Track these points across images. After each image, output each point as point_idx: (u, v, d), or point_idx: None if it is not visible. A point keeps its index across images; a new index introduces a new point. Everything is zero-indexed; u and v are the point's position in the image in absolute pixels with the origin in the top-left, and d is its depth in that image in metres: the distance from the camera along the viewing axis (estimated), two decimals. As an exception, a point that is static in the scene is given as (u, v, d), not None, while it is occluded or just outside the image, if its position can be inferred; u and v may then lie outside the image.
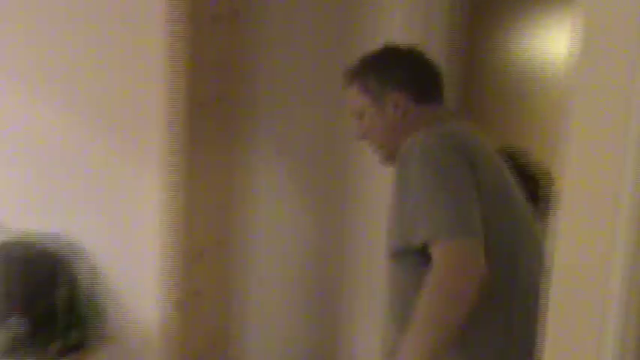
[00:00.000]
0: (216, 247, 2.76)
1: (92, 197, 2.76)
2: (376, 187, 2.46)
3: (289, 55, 2.70)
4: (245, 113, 2.75)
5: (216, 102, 2.54)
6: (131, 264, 2.71)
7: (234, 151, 2.77)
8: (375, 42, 2.39)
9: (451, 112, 1.68)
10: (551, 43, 2.96)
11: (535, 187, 1.96)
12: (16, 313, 2.40)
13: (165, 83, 2.41)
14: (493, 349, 1.44)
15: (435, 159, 1.40)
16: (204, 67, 2.43)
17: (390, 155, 1.59)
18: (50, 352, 2.49)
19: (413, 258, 1.41)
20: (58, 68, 2.75)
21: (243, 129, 2.76)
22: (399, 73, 1.60)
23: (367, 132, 1.64)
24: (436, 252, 1.33)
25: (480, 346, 1.44)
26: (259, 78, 2.71)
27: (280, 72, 2.72)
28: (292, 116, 2.77)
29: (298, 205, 2.82)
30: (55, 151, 2.83)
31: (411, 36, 2.25)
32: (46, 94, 2.80)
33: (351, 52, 2.54)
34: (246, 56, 2.70)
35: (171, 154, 2.43)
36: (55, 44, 2.74)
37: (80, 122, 2.76)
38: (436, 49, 2.27)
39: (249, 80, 2.72)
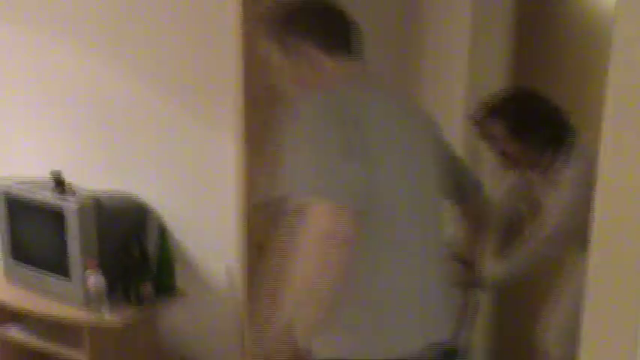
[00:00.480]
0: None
1: (163, 158, 2.89)
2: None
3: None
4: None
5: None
6: (200, 222, 2.86)
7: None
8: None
9: (363, 69, 1.58)
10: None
11: (552, 133, 2.05)
12: (95, 266, 2.57)
13: (236, 44, 2.47)
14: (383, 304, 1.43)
15: (312, 123, 1.39)
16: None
17: None
18: (127, 303, 2.67)
19: None
20: (131, 33, 2.85)
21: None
22: (311, 26, 1.53)
23: (288, 85, 1.60)
24: (308, 214, 1.32)
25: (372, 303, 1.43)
26: None
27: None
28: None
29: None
30: (127, 113, 2.95)
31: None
32: (119, 59, 2.91)
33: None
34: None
35: (241, 116, 2.49)
36: (128, 13, 2.84)
37: (152, 86, 2.86)
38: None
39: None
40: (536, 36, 2.64)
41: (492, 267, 1.95)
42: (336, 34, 1.54)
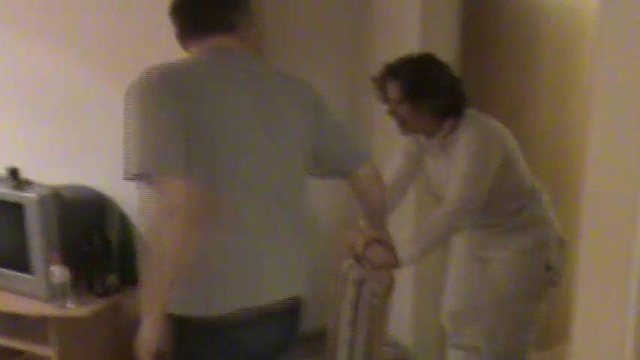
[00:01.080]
0: None
1: (118, 148, 2.86)
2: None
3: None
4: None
5: None
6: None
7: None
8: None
9: (219, 44, 1.62)
10: None
11: (444, 100, 2.05)
12: (58, 259, 2.55)
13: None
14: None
15: (141, 100, 1.45)
16: None
17: None
18: (92, 295, 2.66)
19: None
20: (83, 20, 2.82)
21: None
22: (178, 14, 1.63)
23: None
24: (154, 189, 1.43)
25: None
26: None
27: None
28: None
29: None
30: (80, 105, 2.92)
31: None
32: (71, 50, 2.87)
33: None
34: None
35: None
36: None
37: (104, 75, 2.84)
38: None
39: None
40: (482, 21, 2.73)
41: (404, 245, 1.96)
42: (199, 14, 1.60)
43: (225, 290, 1.54)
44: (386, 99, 2.10)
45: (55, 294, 2.58)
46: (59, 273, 2.56)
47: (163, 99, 1.44)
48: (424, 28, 2.59)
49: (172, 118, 1.43)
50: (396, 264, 1.92)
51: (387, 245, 1.93)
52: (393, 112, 2.09)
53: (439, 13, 2.61)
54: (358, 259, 2.01)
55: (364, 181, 1.79)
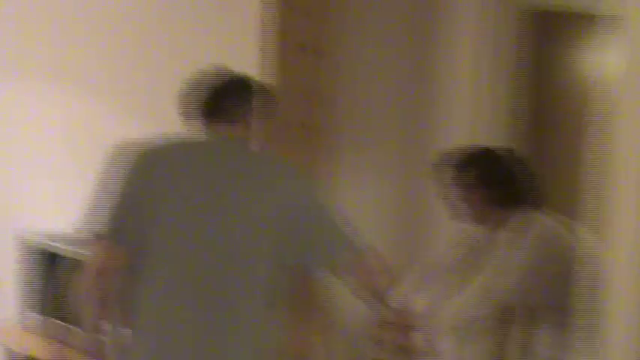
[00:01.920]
0: None
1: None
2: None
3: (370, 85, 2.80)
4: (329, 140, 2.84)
5: (300, 127, 2.65)
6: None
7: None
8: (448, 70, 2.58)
9: (219, 130, 1.74)
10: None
11: (517, 192, 2.07)
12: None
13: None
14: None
15: (115, 174, 1.63)
16: (291, 93, 2.54)
17: None
18: None
19: None
20: (145, 84, 2.92)
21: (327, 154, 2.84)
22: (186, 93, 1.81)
23: None
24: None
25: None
26: (343, 106, 2.80)
27: (362, 100, 2.83)
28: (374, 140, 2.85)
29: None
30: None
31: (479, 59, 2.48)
32: (136, 112, 2.98)
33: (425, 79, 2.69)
34: (331, 85, 2.78)
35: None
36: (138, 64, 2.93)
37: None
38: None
39: (333, 108, 2.80)
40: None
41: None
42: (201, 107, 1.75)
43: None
44: (454, 185, 2.11)
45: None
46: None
47: (125, 175, 1.62)
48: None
49: (126, 193, 1.61)
50: (410, 349, 1.81)
51: (405, 328, 1.83)
52: (463, 199, 2.09)
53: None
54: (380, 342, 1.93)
55: (362, 273, 1.66)
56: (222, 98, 1.73)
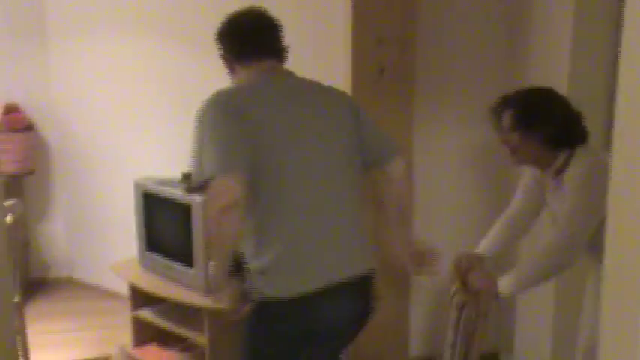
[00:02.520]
0: None
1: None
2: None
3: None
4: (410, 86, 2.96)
5: (391, 71, 2.77)
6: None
7: (409, 116, 2.97)
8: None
9: (265, 67, 1.90)
10: None
11: (557, 133, 2.02)
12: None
13: (344, 54, 2.72)
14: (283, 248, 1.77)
15: (207, 118, 1.75)
16: (378, 41, 2.69)
17: None
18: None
19: None
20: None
21: (415, 98, 2.95)
22: (226, 39, 1.94)
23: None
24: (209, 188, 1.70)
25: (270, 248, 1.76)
26: (426, 53, 2.89)
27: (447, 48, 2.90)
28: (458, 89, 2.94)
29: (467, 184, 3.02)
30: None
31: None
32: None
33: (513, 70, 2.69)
34: (412, 30, 2.89)
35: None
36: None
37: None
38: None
39: (414, 53, 2.91)
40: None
41: (504, 277, 1.96)
42: (246, 45, 1.91)
43: (300, 273, 1.77)
44: (499, 128, 2.13)
45: (211, 288, 2.89)
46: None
47: (223, 118, 1.75)
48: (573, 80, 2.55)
49: (231, 132, 1.74)
50: (492, 291, 1.95)
51: (486, 272, 1.97)
52: (504, 142, 2.10)
53: (589, 64, 2.55)
54: (463, 283, 2.07)
55: (395, 172, 1.98)
56: (267, 36, 1.92)
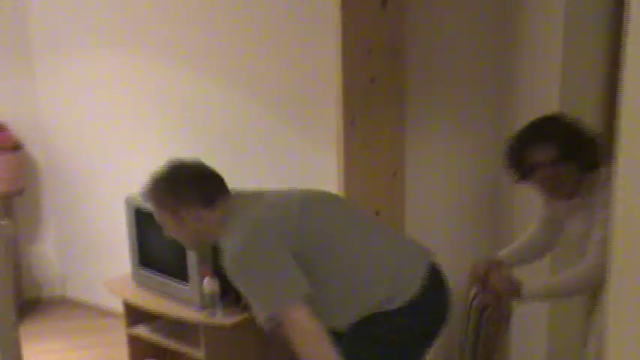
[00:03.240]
0: (390, 208, 3.02)
1: (267, 174, 3.16)
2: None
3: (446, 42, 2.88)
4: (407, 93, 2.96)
5: (382, 81, 2.77)
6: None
7: (401, 125, 2.99)
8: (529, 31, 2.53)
9: (239, 195, 1.97)
10: None
11: (592, 159, 2.00)
12: (209, 273, 2.85)
13: (334, 65, 2.70)
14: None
15: (253, 254, 1.76)
16: (368, 50, 2.68)
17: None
18: (236, 307, 2.93)
19: None
20: (240, 56, 3.18)
21: (407, 106, 2.97)
22: (190, 194, 1.90)
23: (175, 235, 1.97)
24: (284, 322, 1.74)
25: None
26: (416, 62, 2.90)
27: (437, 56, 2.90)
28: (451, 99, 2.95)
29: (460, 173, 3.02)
30: (234, 133, 3.26)
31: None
32: (231, 83, 3.23)
33: (503, 46, 2.71)
34: (405, 41, 2.90)
35: (341, 131, 2.69)
36: (234, 36, 3.17)
37: (260, 107, 3.15)
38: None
39: (407, 63, 2.92)
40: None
41: (534, 281, 1.98)
42: (212, 191, 1.93)
43: (395, 289, 1.86)
44: (528, 168, 2.05)
45: (206, 303, 2.88)
46: (210, 285, 2.86)
47: (270, 245, 1.78)
48: (564, 83, 2.50)
49: (281, 257, 1.77)
50: (514, 293, 1.95)
51: (509, 275, 1.97)
52: (551, 176, 2.02)
53: (581, 65, 2.51)
54: (483, 286, 2.08)
55: None
56: (219, 182, 1.99)
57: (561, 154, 1.98)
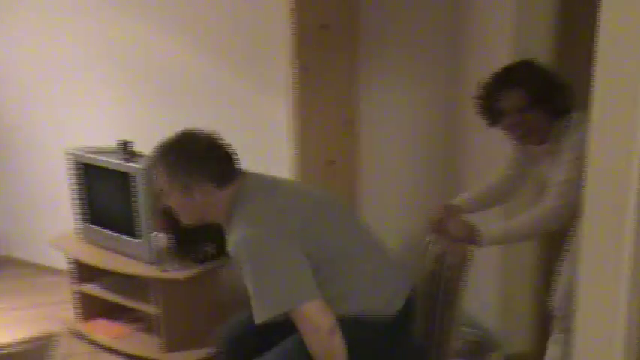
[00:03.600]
0: (345, 158, 2.99)
1: (221, 124, 3.03)
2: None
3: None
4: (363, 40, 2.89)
5: (334, 27, 2.69)
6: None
7: (354, 74, 2.93)
8: None
9: (253, 178, 1.89)
10: None
11: (562, 103, 2.01)
12: (161, 227, 2.77)
13: (285, 12, 2.61)
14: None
15: (269, 247, 1.70)
16: None
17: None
18: (191, 260, 2.87)
19: None
20: (194, 8, 3.05)
21: (360, 55, 2.90)
22: (205, 171, 1.81)
23: (177, 208, 1.90)
24: (294, 318, 1.69)
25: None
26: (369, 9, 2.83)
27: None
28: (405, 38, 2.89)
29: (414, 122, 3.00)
30: (187, 84, 3.13)
31: None
32: (182, 33, 3.09)
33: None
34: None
35: (293, 81, 2.62)
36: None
37: (213, 58, 3.03)
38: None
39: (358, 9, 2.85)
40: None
41: (491, 226, 1.98)
42: (225, 170, 1.85)
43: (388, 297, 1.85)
44: (498, 114, 2.05)
45: (158, 258, 2.81)
46: (161, 239, 2.78)
47: (279, 243, 1.72)
48: (518, 34, 2.50)
49: (292, 253, 1.71)
50: (472, 238, 1.95)
51: (466, 221, 1.96)
52: (517, 123, 2.02)
53: (533, 18, 2.50)
54: (440, 233, 2.07)
55: None
56: (232, 160, 1.90)
57: (529, 101, 1.98)
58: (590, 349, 1.25)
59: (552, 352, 2.38)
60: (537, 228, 2.02)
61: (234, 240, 1.74)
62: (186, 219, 1.93)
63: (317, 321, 1.68)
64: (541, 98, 1.97)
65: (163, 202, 1.92)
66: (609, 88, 1.08)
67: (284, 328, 1.77)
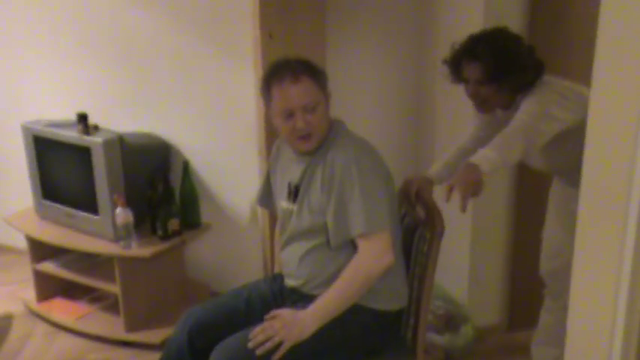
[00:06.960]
0: None
1: (183, 94, 2.95)
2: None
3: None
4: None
5: None
6: (223, 156, 2.94)
7: (322, 40, 2.83)
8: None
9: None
10: None
11: (525, 76, 1.97)
12: (122, 202, 2.66)
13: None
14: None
15: (368, 173, 1.81)
16: None
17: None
18: (153, 237, 2.77)
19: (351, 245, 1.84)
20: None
21: (328, 20, 2.80)
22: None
23: (316, 121, 1.90)
24: (359, 243, 1.80)
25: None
26: None
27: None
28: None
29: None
30: (147, 52, 2.99)
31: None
32: (158, 6, 2.93)
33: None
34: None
35: (259, 47, 2.52)
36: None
37: (170, 24, 2.89)
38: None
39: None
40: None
41: (482, 159, 1.81)
42: None
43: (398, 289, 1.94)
44: (462, 80, 2.02)
45: (120, 235, 2.70)
46: (123, 215, 2.67)
47: (379, 172, 1.85)
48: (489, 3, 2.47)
49: (385, 184, 1.85)
50: (474, 177, 1.79)
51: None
52: (473, 94, 2.01)
53: None
54: (413, 205, 2.02)
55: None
56: None
57: (486, 76, 1.96)
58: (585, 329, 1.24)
59: (545, 319, 2.39)
60: (519, 137, 1.88)
61: (345, 151, 1.84)
62: (316, 134, 1.90)
63: (385, 251, 1.78)
64: (499, 75, 1.94)
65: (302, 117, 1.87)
66: (609, 88, 1.08)
67: (248, 320, 1.84)
